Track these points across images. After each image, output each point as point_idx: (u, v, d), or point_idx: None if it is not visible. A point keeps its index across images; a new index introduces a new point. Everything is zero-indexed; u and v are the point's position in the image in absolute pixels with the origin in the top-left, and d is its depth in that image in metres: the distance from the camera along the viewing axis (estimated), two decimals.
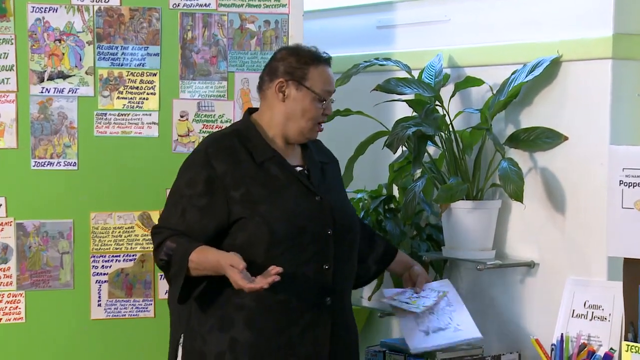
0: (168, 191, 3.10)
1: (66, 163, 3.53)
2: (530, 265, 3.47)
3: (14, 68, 3.48)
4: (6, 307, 3.47)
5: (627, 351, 2.96)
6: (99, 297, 3.56)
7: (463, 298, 3.36)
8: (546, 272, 3.44)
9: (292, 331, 2.98)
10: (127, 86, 3.58)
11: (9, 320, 3.48)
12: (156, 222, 3.20)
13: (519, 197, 3.27)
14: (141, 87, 3.59)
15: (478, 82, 3.59)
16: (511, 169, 3.31)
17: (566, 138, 3.36)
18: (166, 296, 3.40)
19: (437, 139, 3.56)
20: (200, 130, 3.63)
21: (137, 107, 3.59)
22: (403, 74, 3.64)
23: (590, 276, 3.27)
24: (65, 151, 3.52)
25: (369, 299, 3.72)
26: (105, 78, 3.56)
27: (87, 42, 3.54)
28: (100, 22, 3.55)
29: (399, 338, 3.65)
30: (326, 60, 3.08)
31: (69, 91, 3.53)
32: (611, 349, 3.09)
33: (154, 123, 3.61)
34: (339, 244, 3.03)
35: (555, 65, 3.37)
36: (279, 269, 2.81)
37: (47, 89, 3.51)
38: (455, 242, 3.51)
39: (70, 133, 3.53)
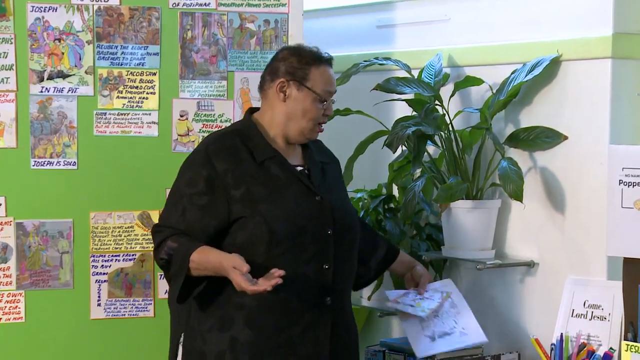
0: (168, 191, 3.10)
1: (66, 162, 3.53)
2: (530, 265, 3.47)
3: (14, 67, 3.48)
4: (6, 307, 3.47)
5: (626, 351, 2.96)
6: (99, 296, 3.56)
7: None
8: (546, 272, 3.44)
9: (293, 331, 2.98)
10: (126, 86, 3.58)
11: (9, 320, 3.48)
12: (156, 222, 3.20)
13: (518, 196, 3.27)
14: (141, 86, 3.59)
15: (478, 81, 3.59)
16: (511, 169, 3.31)
17: (566, 137, 3.36)
18: (166, 296, 3.40)
19: (436, 138, 3.56)
20: (200, 130, 3.63)
21: (136, 106, 3.59)
22: (403, 74, 3.64)
23: (590, 276, 3.27)
24: (64, 151, 3.52)
25: (369, 298, 3.71)
26: (104, 77, 3.56)
27: (86, 42, 3.54)
28: (100, 22, 3.54)
29: (398, 338, 3.65)
30: (328, 61, 3.08)
31: (69, 91, 3.53)
32: (611, 348, 3.09)
33: (154, 122, 3.61)
34: (339, 244, 3.03)
35: (554, 64, 3.37)
36: (282, 272, 2.81)
37: (46, 89, 3.51)
38: (455, 242, 3.51)
39: (70, 132, 3.53)
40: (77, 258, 3.54)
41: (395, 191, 3.83)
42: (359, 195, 3.83)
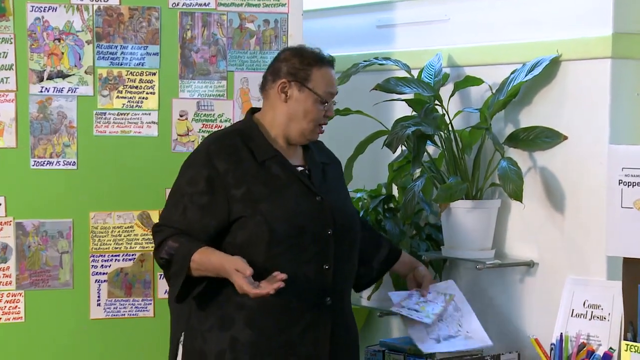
0: (167, 191, 3.10)
1: (65, 162, 3.53)
2: (530, 265, 3.47)
3: (14, 67, 3.48)
4: (5, 307, 3.47)
5: (626, 351, 2.96)
6: (99, 296, 3.55)
7: None
8: (545, 272, 3.43)
9: (293, 331, 2.98)
10: (126, 85, 3.58)
11: (8, 319, 3.48)
12: (156, 222, 3.20)
13: (518, 196, 3.27)
14: (140, 86, 3.59)
15: (477, 81, 3.59)
16: (510, 169, 3.31)
17: (565, 137, 3.36)
18: (165, 296, 3.41)
19: (436, 138, 3.56)
20: (200, 130, 3.63)
21: (136, 106, 3.59)
22: (402, 74, 3.64)
23: (590, 276, 3.27)
24: (64, 150, 3.52)
25: (369, 298, 3.71)
26: (104, 77, 3.56)
27: (86, 42, 3.54)
28: (100, 22, 3.54)
29: (398, 338, 3.65)
30: (329, 62, 3.08)
31: (69, 90, 3.53)
32: (610, 348, 3.09)
33: (154, 122, 3.60)
34: (339, 244, 3.03)
35: (554, 64, 3.37)
36: (284, 276, 2.81)
37: (46, 89, 3.51)
38: (454, 242, 3.51)
39: (70, 132, 3.53)
40: (77, 258, 3.54)
41: (395, 191, 3.82)
42: (358, 195, 3.83)
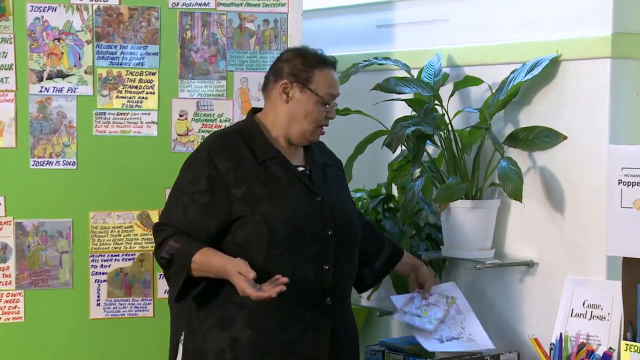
0: (167, 190, 3.10)
1: (65, 162, 3.53)
2: (529, 265, 3.47)
3: (13, 67, 3.48)
4: (5, 307, 3.47)
5: (626, 350, 2.96)
6: (98, 296, 3.55)
7: None
8: (545, 272, 3.43)
9: (293, 331, 2.98)
10: (126, 85, 3.58)
11: (8, 319, 3.48)
12: (155, 222, 3.20)
13: (518, 196, 3.27)
14: (140, 86, 3.59)
15: (477, 81, 3.59)
16: (510, 168, 3.31)
17: (565, 137, 3.36)
18: (165, 296, 3.41)
19: (436, 138, 3.56)
20: (199, 130, 3.63)
21: (136, 106, 3.59)
22: (402, 73, 3.64)
23: (589, 275, 3.27)
24: (64, 150, 3.52)
25: (368, 298, 3.71)
26: (104, 77, 3.56)
27: (86, 41, 3.54)
28: (99, 21, 3.54)
29: (398, 337, 3.65)
30: (332, 64, 3.08)
31: (68, 90, 3.53)
32: (610, 348, 3.09)
33: (153, 122, 3.60)
34: (340, 245, 3.03)
35: (554, 64, 3.37)
36: (285, 280, 2.82)
37: (46, 88, 3.51)
38: (454, 242, 3.51)
39: (69, 132, 3.53)
40: (77, 258, 3.54)
41: (395, 191, 3.83)
42: (358, 194, 3.83)
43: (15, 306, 3.48)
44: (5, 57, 3.46)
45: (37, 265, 3.50)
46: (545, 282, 3.43)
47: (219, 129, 3.56)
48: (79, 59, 3.53)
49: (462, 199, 3.44)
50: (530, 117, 3.47)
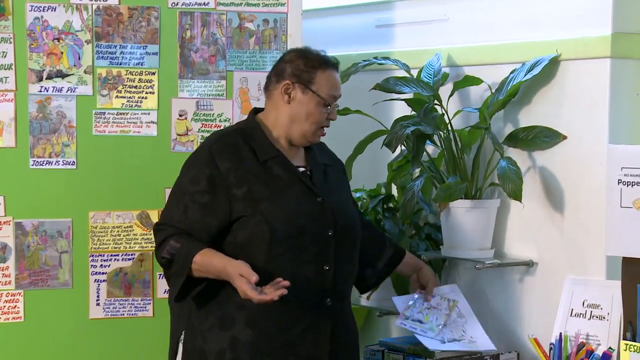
0: (167, 190, 3.10)
1: (65, 162, 3.53)
2: (529, 265, 3.47)
3: (13, 67, 3.48)
4: (5, 307, 3.47)
5: (625, 350, 2.96)
6: (98, 296, 3.55)
7: None
8: (545, 272, 3.43)
9: (293, 331, 2.98)
10: (125, 85, 3.58)
11: (8, 319, 3.48)
12: (155, 222, 3.20)
13: (517, 196, 3.27)
14: (140, 86, 3.59)
15: (477, 81, 3.59)
16: (510, 168, 3.31)
17: (565, 137, 3.36)
18: (165, 295, 3.41)
19: (435, 138, 3.56)
20: (199, 130, 3.63)
21: (135, 106, 3.59)
22: (402, 73, 3.64)
23: (589, 275, 3.27)
24: (63, 150, 3.52)
25: (368, 298, 3.71)
26: (103, 77, 3.56)
27: (85, 41, 3.54)
28: (99, 21, 3.54)
29: (397, 337, 3.65)
30: (334, 65, 3.08)
31: (68, 90, 3.52)
32: (610, 348, 3.09)
33: (153, 122, 3.60)
34: (340, 245, 3.03)
35: (554, 64, 3.37)
36: (287, 283, 2.82)
37: (45, 88, 3.51)
38: (453, 241, 3.51)
39: (69, 132, 3.53)
40: (76, 258, 3.54)
41: (394, 191, 3.82)
42: (358, 194, 3.83)
43: (15, 306, 3.48)
44: (5, 56, 3.46)
45: (36, 265, 3.50)
46: (544, 282, 3.43)
47: (218, 128, 3.56)
48: (79, 58, 3.53)
49: (461, 198, 3.44)
50: (529, 117, 3.47)
